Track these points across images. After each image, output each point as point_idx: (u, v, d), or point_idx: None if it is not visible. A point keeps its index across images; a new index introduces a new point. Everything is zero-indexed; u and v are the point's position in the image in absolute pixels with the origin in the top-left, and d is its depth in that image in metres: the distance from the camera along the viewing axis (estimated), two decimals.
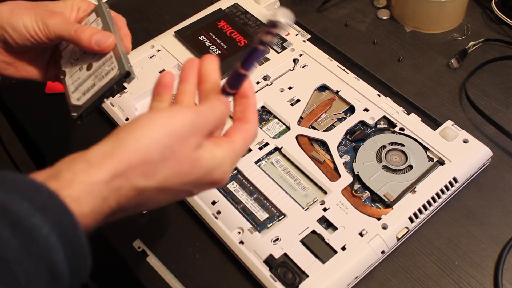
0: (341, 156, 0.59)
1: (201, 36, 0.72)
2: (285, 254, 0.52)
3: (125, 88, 0.49)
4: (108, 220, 0.36)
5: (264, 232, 0.54)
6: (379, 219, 0.53)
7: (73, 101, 0.49)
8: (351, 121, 0.62)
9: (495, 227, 0.56)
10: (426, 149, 0.58)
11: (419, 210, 0.54)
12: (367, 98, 0.63)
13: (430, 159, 0.58)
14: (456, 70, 0.70)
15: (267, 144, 0.60)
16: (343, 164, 0.58)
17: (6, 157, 0.89)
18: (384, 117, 0.62)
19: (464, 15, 0.76)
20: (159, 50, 0.71)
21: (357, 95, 0.64)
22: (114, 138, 0.35)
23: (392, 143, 0.59)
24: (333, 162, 0.59)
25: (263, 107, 0.64)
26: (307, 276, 0.50)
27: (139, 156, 0.34)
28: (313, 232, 0.53)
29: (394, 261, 0.54)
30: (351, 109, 0.63)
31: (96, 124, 0.67)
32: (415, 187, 0.55)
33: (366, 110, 0.62)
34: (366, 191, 0.56)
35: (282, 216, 0.55)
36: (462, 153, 0.57)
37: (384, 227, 0.53)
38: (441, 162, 0.57)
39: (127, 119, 0.64)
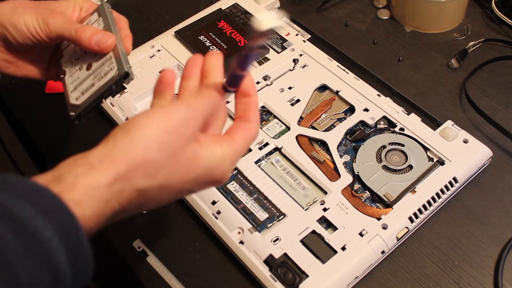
0: (341, 156, 0.59)
1: (201, 36, 0.72)
2: (285, 254, 0.52)
3: (125, 88, 0.49)
4: (111, 222, 0.36)
5: (264, 232, 0.54)
6: (379, 219, 0.53)
7: (72, 100, 0.49)
8: (351, 121, 0.62)
9: (495, 227, 0.56)
10: (426, 149, 0.58)
11: (419, 210, 0.54)
12: (367, 98, 0.63)
13: (430, 159, 0.58)
14: (456, 70, 0.70)
15: (267, 144, 0.60)
16: (343, 164, 0.58)
17: (6, 157, 0.89)
18: (384, 117, 0.62)
19: (464, 15, 0.76)
20: (159, 50, 0.71)
21: (357, 95, 0.64)
22: (112, 139, 0.35)
23: (392, 143, 0.59)
24: (333, 162, 0.59)
25: (263, 107, 0.64)
26: (307, 276, 0.50)
27: (139, 157, 0.34)
28: (313, 232, 0.53)
29: (394, 261, 0.54)
30: (351, 109, 0.63)
31: (96, 124, 0.67)
32: (415, 187, 0.55)
33: (366, 110, 0.62)
34: (366, 191, 0.56)
35: (282, 216, 0.55)
36: (462, 153, 0.57)
37: (384, 227, 0.53)
38: (441, 162, 0.57)
39: (127, 119, 0.64)
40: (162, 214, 0.59)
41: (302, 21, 0.76)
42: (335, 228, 0.53)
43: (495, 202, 0.58)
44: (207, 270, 0.55)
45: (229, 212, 0.55)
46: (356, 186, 0.57)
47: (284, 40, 0.71)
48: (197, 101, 0.38)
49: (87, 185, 0.33)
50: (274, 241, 0.53)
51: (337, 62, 0.68)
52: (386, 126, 0.61)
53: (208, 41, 0.71)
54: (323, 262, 0.51)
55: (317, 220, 0.54)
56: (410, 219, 0.54)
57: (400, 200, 0.54)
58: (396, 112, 0.62)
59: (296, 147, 0.60)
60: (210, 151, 0.38)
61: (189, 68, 0.42)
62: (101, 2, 0.51)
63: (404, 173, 0.57)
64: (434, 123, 0.62)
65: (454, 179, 0.56)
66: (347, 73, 0.66)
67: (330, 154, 0.59)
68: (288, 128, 0.62)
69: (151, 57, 0.70)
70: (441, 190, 0.55)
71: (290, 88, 0.65)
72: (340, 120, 0.62)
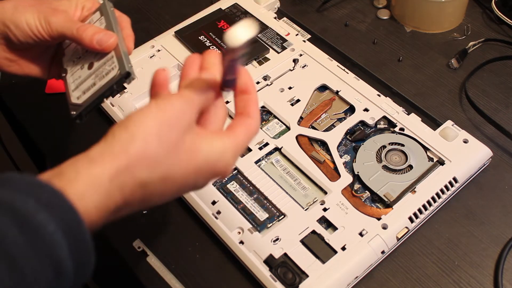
0: (341, 156, 0.59)
1: (201, 36, 0.72)
2: (285, 254, 0.52)
3: (125, 88, 0.49)
4: (114, 217, 0.36)
5: (264, 232, 0.54)
6: (379, 219, 0.53)
7: (73, 99, 0.49)
8: (351, 121, 0.62)
9: (495, 227, 0.56)
10: (426, 149, 0.58)
11: (419, 210, 0.54)
12: (367, 98, 0.63)
13: (430, 159, 0.58)
14: (456, 70, 0.70)
15: (267, 144, 0.60)
16: (343, 164, 0.58)
17: (6, 157, 0.89)
18: (384, 117, 0.62)
19: (464, 15, 0.76)
20: (159, 50, 0.71)
21: (357, 95, 0.64)
22: (111, 136, 0.35)
23: (392, 143, 0.59)
24: (333, 162, 0.59)
25: (263, 107, 0.64)
26: (307, 276, 0.50)
27: (139, 150, 0.35)
28: (313, 232, 0.53)
29: (394, 261, 0.54)
30: (351, 109, 0.63)
31: (96, 124, 0.67)
32: (415, 187, 0.55)
33: (366, 110, 0.62)
34: (366, 191, 0.56)
35: (282, 216, 0.55)
36: (462, 153, 0.57)
37: (384, 227, 0.53)
38: (441, 162, 0.57)
39: None
40: (162, 214, 0.59)
41: (302, 21, 0.76)
42: (335, 228, 0.53)
43: (495, 202, 0.58)
44: (207, 270, 0.55)
45: (229, 212, 0.55)
46: (356, 186, 0.57)
47: (284, 40, 0.71)
48: (190, 93, 0.39)
49: (88, 179, 0.33)
50: (274, 241, 0.53)
51: (337, 62, 0.68)
52: (386, 126, 0.61)
53: (208, 41, 0.71)
54: (323, 262, 0.51)
55: (317, 220, 0.54)
56: (410, 219, 0.54)
57: (400, 200, 0.54)
58: (396, 112, 0.62)
59: (296, 147, 0.60)
60: (209, 142, 0.38)
61: (186, 67, 0.42)
62: (103, 1, 0.51)
63: (404, 173, 0.57)
64: (434, 123, 0.62)
65: (454, 179, 0.56)
66: (347, 73, 0.66)
67: (330, 154, 0.59)
68: (288, 128, 0.62)
69: (151, 57, 0.70)
70: (441, 190, 0.55)
71: (290, 88, 0.65)
72: (340, 120, 0.62)
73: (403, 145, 0.59)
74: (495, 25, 0.75)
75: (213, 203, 0.56)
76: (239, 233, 0.54)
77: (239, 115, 0.41)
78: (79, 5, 0.51)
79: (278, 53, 0.69)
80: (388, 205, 0.54)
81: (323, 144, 0.61)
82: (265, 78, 0.67)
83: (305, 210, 0.55)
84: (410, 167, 0.57)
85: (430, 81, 0.69)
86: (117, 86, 0.47)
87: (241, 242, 0.53)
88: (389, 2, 0.79)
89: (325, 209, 0.54)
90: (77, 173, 0.33)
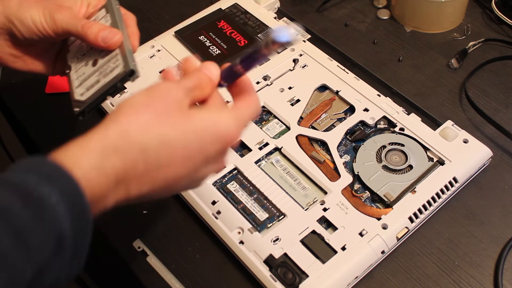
0: (341, 156, 0.59)
1: (201, 36, 0.72)
2: (285, 254, 0.52)
3: (125, 88, 0.49)
4: (125, 193, 0.36)
5: (264, 232, 0.54)
6: (379, 219, 0.53)
7: (77, 96, 0.49)
8: (351, 121, 0.62)
9: (495, 227, 0.56)
10: (426, 149, 0.58)
11: (419, 210, 0.54)
12: (367, 98, 0.63)
13: (430, 159, 0.58)
14: (456, 70, 0.70)
15: (267, 144, 0.60)
16: (343, 164, 0.58)
17: (6, 157, 0.88)
18: (384, 117, 0.62)
19: (464, 15, 0.76)
20: (159, 50, 0.71)
21: (357, 95, 0.64)
22: (103, 123, 0.37)
23: (392, 143, 0.59)
24: (333, 162, 0.59)
25: (263, 107, 0.64)
26: (307, 276, 0.50)
27: (128, 117, 0.36)
28: (313, 232, 0.53)
29: (394, 261, 0.54)
30: (351, 109, 0.63)
31: (96, 124, 0.67)
32: (415, 187, 0.55)
33: (366, 110, 0.62)
34: (366, 191, 0.56)
35: (282, 216, 0.55)
36: (462, 153, 0.57)
37: (384, 227, 0.53)
38: (441, 162, 0.57)
39: None
40: (162, 214, 0.59)
41: (302, 21, 0.76)
42: (335, 228, 0.53)
43: (495, 202, 0.58)
44: (207, 270, 0.55)
45: (229, 212, 0.55)
46: (356, 186, 0.57)
47: None
48: (182, 79, 0.40)
49: (80, 146, 0.35)
50: (274, 241, 0.53)
51: (337, 62, 0.68)
52: (386, 126, 0.61)
53: (208, 41, 0.71)
54: (323, 262, 0.51)
55: (317, 220, 0.54)
56: (410, 219, 0.54)
57: (400, 200, 0.54)
58: (396, 112, 0.62)
59: (296, 147, 0.60)
60: (206, 109, 0.39)
61: (185, 70, 0.43)
62: None
63: (404, 173, 0.57)
64: (434, 123, 0.62)
65: (454, 179, 0.56)
66: (347, 73, 0.66)
67: (330, 154, 0.59)
68: (288, 128, 0.62)
69: (151, 57, 0.70)
70: (441, 190, 0.55)
71: (290, 88, 0.65)
72: (340, 120, 0.62)
73: (403, 145, 0.59)
74: (495, 25, 0.75)
75: (213, 203, 0.56)
76: (239, 233, 0.54)
77: (237, 96, 0.42)
78: (85, 2, 0.51)
79: (278, 53, 0.69)
80: (388, 205, 0.54)
81: (323, 144, 0.61)
82: (265, 78, 0.67)
83: (305, 210, 0.55)
84: (410, 167, 0.57)
85: (430, 81, 0.69)
86: (121, 83, 0.47)
87: (241, 242, 0.53)
88: (389, 2, 0.79)
89: (325, 209, 0.54)
90: (73, 146, 0.35)
